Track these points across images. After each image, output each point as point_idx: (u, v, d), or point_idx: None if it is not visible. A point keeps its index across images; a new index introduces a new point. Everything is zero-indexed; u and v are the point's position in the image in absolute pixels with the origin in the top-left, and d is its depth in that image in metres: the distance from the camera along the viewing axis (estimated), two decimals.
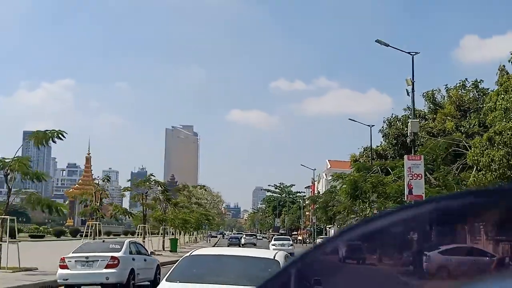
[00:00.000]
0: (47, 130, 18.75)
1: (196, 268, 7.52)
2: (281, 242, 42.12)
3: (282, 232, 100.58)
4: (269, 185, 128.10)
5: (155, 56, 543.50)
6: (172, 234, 49.41)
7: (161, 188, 35.51)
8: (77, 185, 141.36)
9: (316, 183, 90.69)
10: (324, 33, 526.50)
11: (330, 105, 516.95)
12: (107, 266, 15.64)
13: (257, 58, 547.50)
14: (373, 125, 41.74)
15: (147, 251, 20.56)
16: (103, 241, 20.57)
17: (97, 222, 27.17)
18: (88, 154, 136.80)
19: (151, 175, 34.17)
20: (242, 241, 62.37)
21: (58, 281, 16.09)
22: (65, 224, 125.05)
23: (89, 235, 26.87)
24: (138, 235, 33.46)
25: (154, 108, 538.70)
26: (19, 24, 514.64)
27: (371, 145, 40.94)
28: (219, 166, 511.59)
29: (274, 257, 7.53)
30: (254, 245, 56.26)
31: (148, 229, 33.35)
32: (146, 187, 33.73)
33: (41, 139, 18.33)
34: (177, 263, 7.62)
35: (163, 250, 40.50)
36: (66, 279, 15.79)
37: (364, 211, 37.68)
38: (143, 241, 33.15)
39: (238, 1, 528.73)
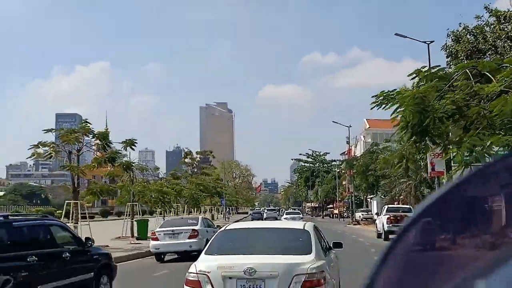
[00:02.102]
0: None
1: (231, 241, 7.84)
2: (291, 216, 45.98)
3: (315, 205, 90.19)
4: (300, 154, 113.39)
5: (186, 35, 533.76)
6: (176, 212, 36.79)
7: (100, 142, 22.48)
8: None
9: (353, 147, 76.67)
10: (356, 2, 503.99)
11: (365, 75, 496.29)
12: (190, 237, 19.36)
13: (289, 31, 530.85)
14: (432, 41, 28.04)
15: (214, 224, 24.03)
16: (182, 218, 27.43)
17: None
18: (106, 129, 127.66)
19: (86, 121, 21.61)
20: (264, 215, 64.05)
21: (151, 250, 19.77)
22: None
23: None
24: (66, 216, 20.98)
25: (187, 87, 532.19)
26: (51, 7, 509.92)
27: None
28: (255, 142, 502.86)
29: (304, 227, 7.94)
30: (275, 218, 56.26)
31: (81, 208, 20.91)
32: (75, 142, 21.12)
33: None
34: (213, 237, 8.14)
35: (132, 237, 28.09)
36: (158, 248, 19.50)
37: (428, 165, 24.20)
38: (74, 227, 20.76)
39: None
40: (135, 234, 27.96)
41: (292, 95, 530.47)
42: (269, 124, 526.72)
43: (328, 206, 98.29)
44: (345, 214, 76.67)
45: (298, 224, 8.61)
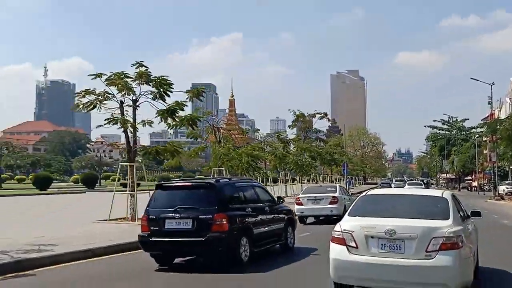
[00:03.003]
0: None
1: (373, 205, 8.33)
2: (413, 187, 44.95)
3: (451, 177, 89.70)
4: (434, 121, 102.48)
5: (317, 3, 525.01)
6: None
7: (159, 90, 17.75)
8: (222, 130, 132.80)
9: (496, 111, 66.39)
10: None
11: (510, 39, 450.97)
12: (330, 203, 21.51)
13: None
14: None
15: (349, 192, 26.76)
16: (321, 185, 30.89)
17: None
18: (232, 97, 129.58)
19: (141, 63, 17.20)
20: (392, 185, 65.66)
21: (296, 213, 20.12)
22: (201, 171, 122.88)
23: None
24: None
25: (318, 55, 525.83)
26: None
27: None
28: (389, 111, 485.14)
29: (442, 195, 8.25)
30: None
31: (136, 172, 16.93)
32: (124, 88, 16.98)
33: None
34: (355, 201, 8.60)
35: None
36: (302, 212, 21.69)
37: None
38: (131, 195, 16.86)
39: None
40: None
41: (428, 61, 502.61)
42: (404, 93, 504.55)
43: (465, 178, 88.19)
44: (486, 187, 67.30)
45: (436, 192, 8.82)
